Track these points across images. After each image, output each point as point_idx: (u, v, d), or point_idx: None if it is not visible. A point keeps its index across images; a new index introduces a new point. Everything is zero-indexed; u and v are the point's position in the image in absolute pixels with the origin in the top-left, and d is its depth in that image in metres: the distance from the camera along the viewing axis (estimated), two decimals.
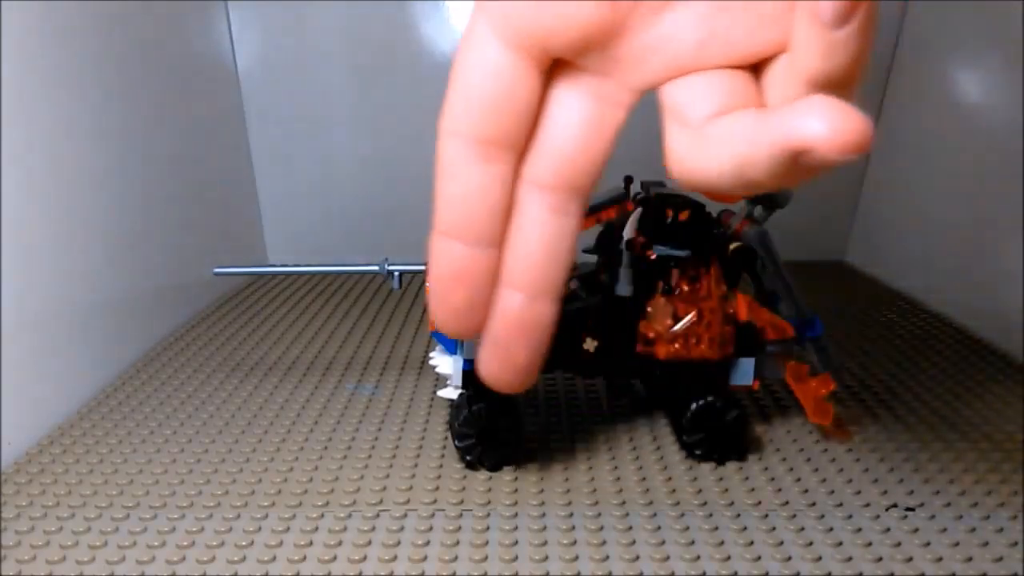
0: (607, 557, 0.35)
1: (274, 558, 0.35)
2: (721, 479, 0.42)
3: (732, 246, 0.43)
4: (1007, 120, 0.62)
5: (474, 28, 0.17)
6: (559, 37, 0.17)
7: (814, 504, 0.40)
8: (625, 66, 0.17)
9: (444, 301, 0.19)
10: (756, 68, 0.17)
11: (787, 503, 0.40)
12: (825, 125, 0.13)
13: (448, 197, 0.18)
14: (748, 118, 0.15)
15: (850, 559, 0.35)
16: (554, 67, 0.18)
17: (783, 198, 0.44)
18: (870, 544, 0.36)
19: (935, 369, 0.57)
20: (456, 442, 0.42)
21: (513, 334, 0.19)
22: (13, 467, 0.43)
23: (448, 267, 0.19)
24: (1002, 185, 0.62)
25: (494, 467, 0.42)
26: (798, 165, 0.14)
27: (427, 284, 0.19)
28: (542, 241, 0.19)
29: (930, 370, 0.57)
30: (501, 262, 0.19)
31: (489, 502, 0.40)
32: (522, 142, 0.18)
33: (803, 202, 0.45)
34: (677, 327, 0.42)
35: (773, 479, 0.42)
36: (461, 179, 0.18)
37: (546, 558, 0.35)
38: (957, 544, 0.37)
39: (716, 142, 0.16)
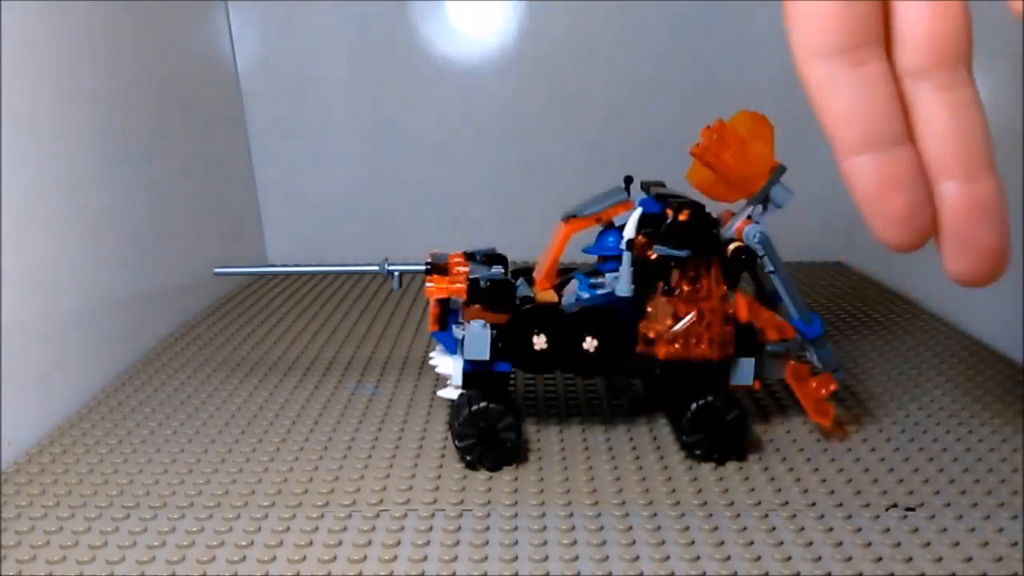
0: (607, 557, 0.35)
1: (274, 558, 0.35)
2: (721, 479, 0.42)
3: (732, 246, 0.43)
4: (1005, 121, 0.62)
5: None
6: None
7: (814, 504, 0.40)
8: None
9: (884, 216, 0.19)
10: None
11: (787, 503, 0.40)
12: None
13: (840, 117, 0.18)
14: None
15: (850, 559, 0.35)
16: None
17: (783, 198, 0.44)
18: (870, 544, 0.36)
19: (934, 371, 0.57)
20: (456, 442, 0.42)
21: (966, 222, 0.19)
22: (13, 467, 0.43)
23: (874, 180, 0.18)
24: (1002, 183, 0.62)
25: (494, 467, 0.42)
26: None
27: (860, 206, 0.19)
28: (946, 123, 0.19)
29: (929, 371, 0.57)
30: (923, 161, 0.19)
31: (489, 502, 0.40)
32: (882, 33, 0.18)
33: (803, 203, 0.45)
34: (677, 327, 0.42)
35: (773, 479, 0.42)
36: (846, 93, 0.18)
37: (546, 558, 0.35)
38: (957, 544, 0.37)
39: None
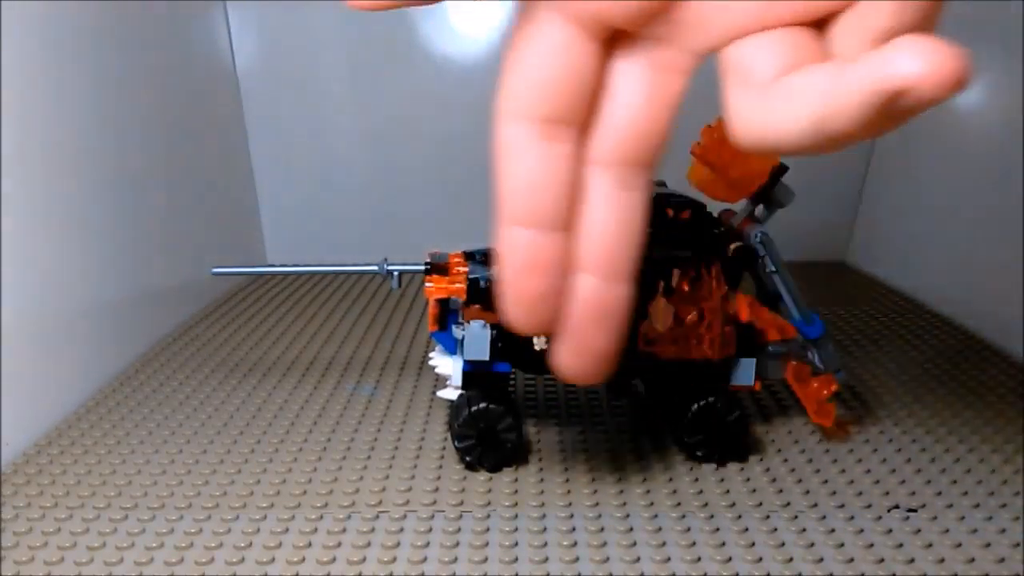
0: (607, 559, 0.35)
1: (272, 559, 0.35)
2: (722, 480, 0.42)
3: (733, 246, 0.43)
4: (1008, 120, 0.61)
5: (531, 9, 0.17)
6: (620, 9, 0.16)
7: (816, 505, 0.39)
8: (686, 30, 0.17)
9: (519, 293, 0.19)
10: (820, 24, 0.16)
11: (788, 504, 0.39)
12: (921, 62, 0.13)
13: (513, 183, 0.18)
14: (826, 69, 0.15)
15: (852, 560, 0.35)
16: (612, 39, 0.17)
17: (785, 198, 0.44)
18: (872, 545, 0.36)
19: (937, 370, 0.57)
20: (456, 443, 0.42)
21: (588, 320, 0.19)
22: (11, 468, 0.43)
23: (521, 257, 0.18)
24: (1003, 185, 0.62)
25: (494, 468, 0.42)
26: (890, 111, 0.14)
27: (501, 278, 0.19)
28: (610, 220, 0.18)
29: (932, 371, 0.57)
30: (572, 248, 0.18)
31: (489, 503, 0.39)
32: (584, 119, 0.18)
33: (805, 202, 0.45)
34: (678, 327, 0.41)
35: (774, 480, 0.42)
36: (526, 162, 0.18)
37: (546, 559, 0.35)
38: (959, 545, 0.36)
39: (791, 98, 0.15)
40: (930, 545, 0.36)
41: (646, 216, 0.19)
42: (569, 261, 0.18)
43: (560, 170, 0.18)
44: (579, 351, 0.19)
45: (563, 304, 0.19)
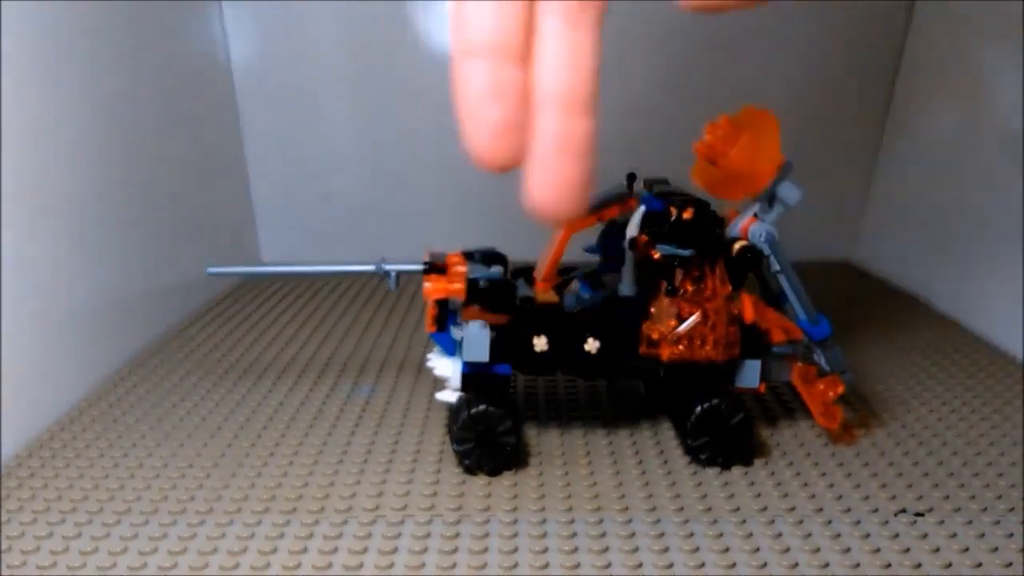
0: (609, 564, 0.34)
1: (268, 565, 0.34)
2: (726, 484, 0.41)
3: (737, 245, 0.42)
4: (1014, 119, 0.61)
5: None
6: None
7: (821, 510, 0.39)
8: None
9: (480, 123, 0.19)
10: None
11: (793, 508, 0.39)
12: None
13: (468, 16, 0.19)
14: None
15: (857, 565, 0.35)
16: None
17: (790, 196, 0.43)
18: (878, 550, 0.36)
19: (943, 373, 0.56)
20: (454, 446, 0.41)
21: (553, 151, 0.19)
22: (3, 471, 0.42)
23: (480, 86, 0.19)
24: (1006, 185, 0.61)
25: (493, 472, 0.42)
26: None
27: (459, 113, 0.19)
28: (563, 54, 0.19)
29: (938, 373, 0.56)
30: (531, 86, 0.19)
31: (488, 508, 0.39)
32: None
33: (810, 201, 0.44)
34: (681, 328, 0.41)
35: (779, 484, 0.41)
36: None
37: (547, 565, 0.34)
38: (967, 550, 0.36)
39: None
40: (937, 550, 0.36)
41: (598, 57, 0.20)
42: (529, 98, 0.19)
43: (514, 3, 0.19)
44: (549, 182, 0.20)
45: (527, 141, 0.19)
